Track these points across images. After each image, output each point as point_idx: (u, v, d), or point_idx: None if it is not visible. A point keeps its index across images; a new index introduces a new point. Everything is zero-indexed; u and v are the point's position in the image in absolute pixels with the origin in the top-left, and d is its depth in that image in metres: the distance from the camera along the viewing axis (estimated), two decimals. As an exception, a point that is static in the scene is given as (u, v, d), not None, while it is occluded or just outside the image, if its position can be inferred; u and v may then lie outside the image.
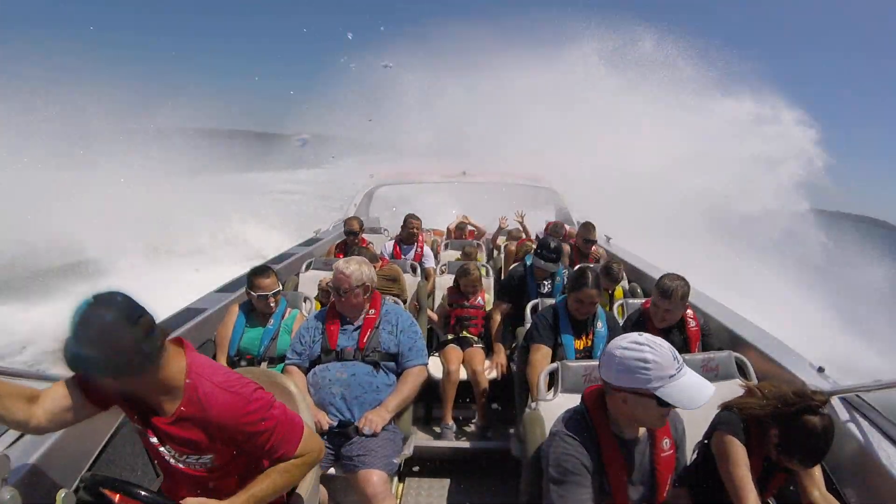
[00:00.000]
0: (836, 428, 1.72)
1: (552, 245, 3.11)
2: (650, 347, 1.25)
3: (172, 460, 1.23)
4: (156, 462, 1.29)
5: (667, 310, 2.32)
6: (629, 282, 3.78)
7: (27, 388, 1.17)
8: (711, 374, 1.93)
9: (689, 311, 2.47)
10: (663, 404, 1.23)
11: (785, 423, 1.41)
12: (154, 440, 1.22)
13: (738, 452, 1.42)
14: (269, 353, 2.49)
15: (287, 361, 2.23)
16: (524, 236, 5.21)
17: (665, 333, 2.34)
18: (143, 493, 1.22)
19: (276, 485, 1.26)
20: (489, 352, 3.11)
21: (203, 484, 1.26)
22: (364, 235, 4.70)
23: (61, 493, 1.12)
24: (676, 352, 1.28)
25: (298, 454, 1.27)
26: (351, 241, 4.36)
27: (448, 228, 6.14)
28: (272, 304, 2.54)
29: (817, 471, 1.51)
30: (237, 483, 1.27)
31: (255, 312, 2.57)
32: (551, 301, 2.68)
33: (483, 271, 3.73)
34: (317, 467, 1.43)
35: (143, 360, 1.07)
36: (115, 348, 1.03)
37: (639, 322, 2.47)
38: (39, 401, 1.16)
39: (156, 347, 1.10)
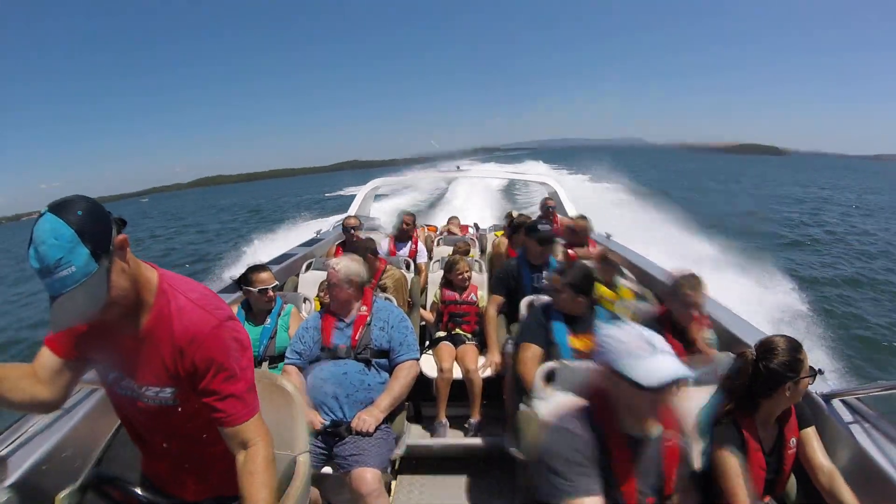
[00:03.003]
0: (835, 430, 1.72)
1: (544, 221, 3.37)
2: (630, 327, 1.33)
3: (133, 395, 1.12)
4: (117, 407, 1.20)
5: (696, 302, 2.21)
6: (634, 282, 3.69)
7: (25, 365, 1.11)
8: (711, 377, 1.89)
9: None
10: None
11: (766, 373, 1.49)
12: (117, 376, 1.13)
13: (729, 463, 1.47)
14: (268, 352, 2.51)
15: (286, 361, 2.26)
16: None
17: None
18: (142, 494, 1.25)
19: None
20: (483, 348, 3.09)
21: (166, 428, 1.16)
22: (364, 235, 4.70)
23: (61, 495, 1.15)
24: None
25: (250, 430, 1.11)
26: (350, 238, 4.37)
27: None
28: (272, 296, 2.58)
29: (815, 439, 1.60)
30: (204, 429, 1.14)
31: (253, 312, 2.59)
32: (546, 298, 2.57)
33: (476, 267, 3.72)
34: (308, 467, 1.44)
35: (96, 242, 0.90)
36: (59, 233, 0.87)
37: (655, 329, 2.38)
38: (37, 374, 1.10)
39: (106, 230, 0.93)
